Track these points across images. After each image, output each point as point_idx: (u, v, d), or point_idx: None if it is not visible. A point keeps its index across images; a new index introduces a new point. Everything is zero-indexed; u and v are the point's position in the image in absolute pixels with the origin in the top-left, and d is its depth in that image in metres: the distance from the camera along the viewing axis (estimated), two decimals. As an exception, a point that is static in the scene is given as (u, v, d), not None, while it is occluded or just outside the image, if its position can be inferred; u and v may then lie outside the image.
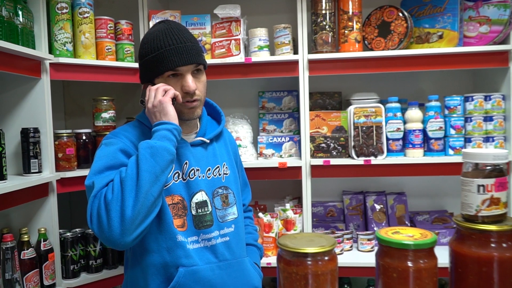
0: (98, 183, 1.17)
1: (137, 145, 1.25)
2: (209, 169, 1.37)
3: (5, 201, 1.64)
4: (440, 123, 2.11)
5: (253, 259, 1.47)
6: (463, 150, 0.82)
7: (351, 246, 2.26)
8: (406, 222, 2.35)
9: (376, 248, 1.04)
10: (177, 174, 1.31)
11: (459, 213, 0.85)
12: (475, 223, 0.78)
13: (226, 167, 1.42)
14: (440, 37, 2.08)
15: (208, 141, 1.39)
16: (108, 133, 2.08)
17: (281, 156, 2.28)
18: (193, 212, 1.30)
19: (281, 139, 2.29)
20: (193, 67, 1.31)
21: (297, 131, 2.35)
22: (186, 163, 1.32)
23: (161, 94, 1.26)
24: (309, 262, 0.75)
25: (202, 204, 1.32)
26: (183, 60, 1.28)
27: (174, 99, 1.28)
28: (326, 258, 0.76)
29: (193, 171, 1.33)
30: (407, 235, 0.79)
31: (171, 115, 1.25)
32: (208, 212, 1.32)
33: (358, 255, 2.19)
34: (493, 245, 0.75)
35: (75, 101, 2.58)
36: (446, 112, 2.14)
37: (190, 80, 1.29)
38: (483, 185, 0.77)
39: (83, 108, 2.57)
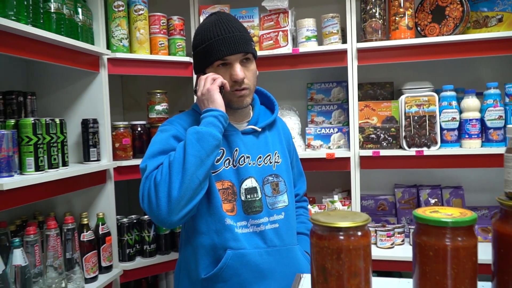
0: (150, 166, 1.24)
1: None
2: (260, 157, 1.39)
3: (67, 185, 1.77)
4: (499, 111, 1.99)
5: (304, 247, 1.47)
6: (508, 125, 0.78)
7: (402, 241, 2.20)
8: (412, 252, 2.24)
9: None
10: (227, 161, 1.34)
11: (504, 194, 0.81)
12: (520, 201, 0.74)
13: (278, 156, 1.43)
14: (500, 20, 1.97)
15: (259, 129, 1.41)
16: (161, 124, 2.18)
17: (329, 148, 2.26)
18: (242, 198, 1.33)
19: (329, 130, 2.27)
20: (241, 56, 1.33)
21: (346, 123, 2.32)
22: (236, 150, 1.35)
23: (209, 83, 1.30)
24: (341, 237, 0.75)
25: (251, 190, 1.35)
26: (231, 50, 1.31)
27: (222, 88, 1.32)
28: (359, 233, 0.76)
29: (243, 158, 1.36)
30: (445, 213, 0.77)
31: (218, 102, 1.29)
32: (257, 199, 1.34)
33: (411, 250, 2.12)
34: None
35: (133, 96, 2.71)
36: (507, 100, 2.01)
37: (238, 69, 1.32)
38: (528, 161, 0.73)
39: (139, 103, 2.69)
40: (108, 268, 2.02)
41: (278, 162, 1.43)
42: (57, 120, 1.73)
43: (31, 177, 1.53)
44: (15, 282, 1.48)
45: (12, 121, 1.62)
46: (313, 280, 0.78)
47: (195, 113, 1.43)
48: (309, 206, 2.17)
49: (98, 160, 1.99)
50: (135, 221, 2.20)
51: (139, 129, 2.22)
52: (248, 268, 1.30)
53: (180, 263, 1.43)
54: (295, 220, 1.48)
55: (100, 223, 1.99)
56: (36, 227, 1.64)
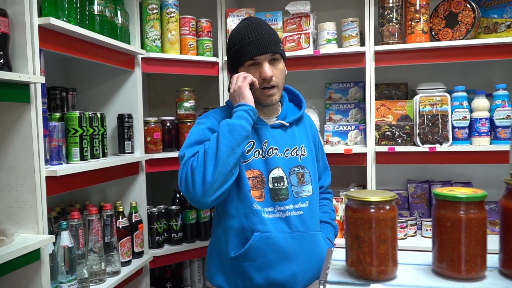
0: (187, 154, 1.40)
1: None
2: (287, 149, 1.53)
3: (107, 174, 1.93)
4: (507, 111, 2.12)
5: (327, 235, 1.61)
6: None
7: (415, 232, 2.33)
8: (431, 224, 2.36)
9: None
10: (257, 152, 1.49)
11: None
12: (523, 181, 0.88)
13: (304, 149, 1.57)
14: (508, 26, 2.10)
15: (287, 124, 1.56)
16: (189, 120, 2.34)
17: (346, 144, 2.40)
18: (270, 186, 1.47)
19: (346, 128, 2.41)
20: (269, 56, 1.48)
21: (363, 120, 2.46)
22: (265, 142, 1.50)
23: (240, 81, 1.45)
24: (373, 210, 0.89)
25: (278, 179, 1.49)
26: (260, 50, 1.46)
27: (252, 85, 1.47)
28: (387, 207, 0.89)
29: (271, 149, 1.50)
30: (460, 192, 0.90)
31: (248, 98, 1.43)
32: (284, 187, 1.48)
33: (422, 241, 2.25)
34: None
35: (158, 93, 2.86)
36: (515, 101, 2.14)
37: (266, 68, 1.46)
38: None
39: (165, 100, 2.85)
40: (140, 254, 2.17)
41: (304, 155, 1.57)
42: (99, 114, 1.89)
43: (79, 165, 1.69)
44: (63, 261, 1.64)
45: (58, 114, 1.78)
46: (348, 247, 0.93)
47: (228, 108, 1.58)
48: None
49: (132, 152, 2.15)
50: (163, 210, 2.35)
51: (168, 124, 2.37)
52: (273, 249, 1.43)
53: (212, 244, 1.58)
54: (318, 209, 1.61)
55: (133, 211, 2.14)
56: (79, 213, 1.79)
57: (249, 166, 1.47)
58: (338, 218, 2.30)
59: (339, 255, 1.04)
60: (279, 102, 1.61)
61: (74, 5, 1.68)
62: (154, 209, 2.32)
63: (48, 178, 1.51)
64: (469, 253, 0.88)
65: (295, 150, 1.55)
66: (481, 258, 0.89)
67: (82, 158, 1.76)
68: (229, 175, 1.34)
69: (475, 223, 0.87)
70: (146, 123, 2.26)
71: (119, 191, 2.24)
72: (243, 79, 1.46)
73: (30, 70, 1.43)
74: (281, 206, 1.47)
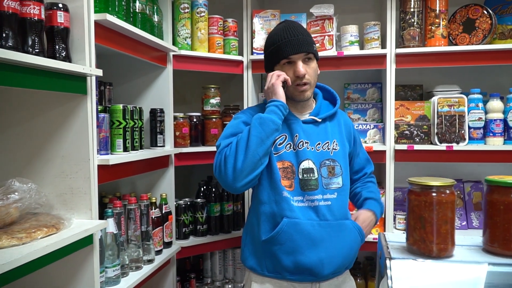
0: (222, 144, 1.55)
1: None
2: (318, 143, 1.63)
3: (144, 165, 2.01)
4: (521, 113, 2.24)
5: (372, 208, 1.69)
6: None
7: (429, 227, 2.44)
8: (483, 208, 2.49)
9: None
10: (289, 145, 1.60)
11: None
12: None
13: (336, 144, 1.67)
14: (524, 33, 2.23)
15: (319, 120, 1.66)
16: (214, 116, 2.43)
17: (365, 142, 2.50)
18: (300, 176, 1.58)
19: (365, 127, 2.51)
20: (303, 55, 1.59)
21: (380, 120, 2.57)
22: (296, 136, 1.61)
23: (274, 79, 1.58)
24: (434, 194, 0.99)
25: (308, 171, 1.59)
26: (294, 50, 1.58)
27: (285, 82, 1.58)
28: (448, 191, 1.00)
29: (301, 142, 1.60)
30: (509, 180, 1.01)
31: (280, 94, 1.56)
32: (313, 178, 1.58)
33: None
34: None
35: (178, 91, 2.93)
36: (528, 103, 2.27)
37: (300, 66, 1.58)
38: None
39: (184, 97, 2.92)
40: (169, 244, 2.25)
41: (336, 149, 1.66)
42: (138, 108, 1.97)
43: (127, 155, 1.77)
44: (109, 247, 1.71)
45: (100, 107, 1.85)
46: (411, 228, 1.03)
47: (264, 104, 1.68)
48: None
49: (163, 146, 2.22)
50: (189, 203, 2.43)
51: (195, 120, 2.45)
52: (300, 235, 1.53)
53: (247, 229, 1.70)
54: (347, 199, 1.71)
55: (163, 203, 2.22)
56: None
57: (281, 157, 1.59)
58: None
59: (392, 237, 1.14)
60: (313, 100, 1.72)
61: (122, 3, 1.76)
62: (180, 201, 2.40)
63: (99, 167, 1.59)
64: (520, 232, 0.98)
65: (327, 144, 1.64)
66: (530, 238, 0.99)
67: (125, 149, 1.83)
68: (258, 163, 1.48)
69: (527, 206, 0.98)
70: (175, 118, 2.34)
71: (148, 183, 2.31)
72: (277, 77, 1.58)
73: (87, 63, 1.51)
74: (310, 196, 1.57)
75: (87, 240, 1.49)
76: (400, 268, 0.96)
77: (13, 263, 1.11)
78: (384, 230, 2.45)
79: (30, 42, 1.33)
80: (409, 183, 1.04)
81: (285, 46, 1.58)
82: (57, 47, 1.43)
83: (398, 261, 0.97)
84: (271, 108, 1.53)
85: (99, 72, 1.53)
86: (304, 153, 1.60)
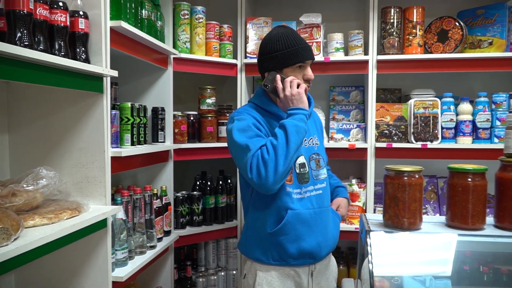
0: (253, 146, 1.59)
1: (259, 121, 1.72)
2: (305, 139, 1.83)
3: (149, 158, 2.19)
4: (487, 115, 2.50)
5: (345, 195, 1.99)
6: (507, 113, 1.25)
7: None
8: (446, 191, 2.74)
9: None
10: None
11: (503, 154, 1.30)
12: (514, 158, 1.23)
13: (316, 139, 1.87)
14: (490, 44, 2.49)
15: None
16: (210, 115, 2.62)
17: (349, 140, 2.73)
18: (297, 171, 1.76)
19: (349, 126, 2.74)
20: (311, 61, 1.79)
21: (362, 120, 2.80)
22: None
23: (295, 86, 1.68)
24: (406, 178, 1.21)
25: (302, 165, 1.78)
26: (309, 56, 1.75)
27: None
28: (417, 175, 1.22)
29: None
30: (468, 166, 1.23)
31: (306, 103, 1.68)
32: (306, 171, 1.78)
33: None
34: (525, 170, 1.20)
35: (173, 91, 3.12)
36: (493, 106, 2.53)
37: (310, 71, 1.77)
38: (520, 134, 1.21)
39: (179, 97, 3.11)
40: (168, 233, 2.43)
41: (317, 144, 1.87)
42: (143, 106, 2.15)
43: (135, 149, 1.96)
44: (118, 231, 1.89)
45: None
46: (387, 206, 1.24)
47: (257, 106, 1.81)
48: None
49: (163, 142, 2.41)
50: (186, 195, 2.62)
51: (192, 118, 2.64)
52: (302, 224, 1.71)
53: (248, 223, 1.83)
54: (329, 188, 1.92)
55: (163, 194, 2.40)
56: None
57: None
58: (360, 204, 2.63)
59: (372, 217, 1.36)
60: None
61: (133, 10, 1.95)
62: (178, 194, 2.59)
63: (112, 158, 1.77)
64: (474, 210, 1.21)
65: (311, 140, 1.85)
66: (482, 215, 1.22)
67: (132, 143, 2.01)
68: (290, 167, 1.60)
69: (480, 188, 1.21)
70: (174, 116, 2.52)
71: (148, 176, 2.49)
72: (298, 86, 1.69)
73: (103, 65, 1.69)
74: (305, 188, 1.76)
75: (103, 223, 1.67)
76: (377, 238, 1.17)
77: (48, 238, 1.29)
78: (365, 221, 2.67)
79: (57, 46, 1.50)
80: (385, 169, 1.25)
81: (303, 51, 1.72)
82: (78, 50, 1.61)
83: (376, 233, 1.18)
84: (301, 116, 1.63)
85: (115, 73, 1.71)
86: (299, 150, 1.79)
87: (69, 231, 1.40)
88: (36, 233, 1.30)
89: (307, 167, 1.78)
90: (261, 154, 1.55)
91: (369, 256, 1.12)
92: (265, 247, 1.74)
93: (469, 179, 1.19)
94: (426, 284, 1.63)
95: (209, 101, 2.69)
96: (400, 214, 1.19)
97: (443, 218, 1.29)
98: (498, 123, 2.49)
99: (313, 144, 1.84)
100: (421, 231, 1.20)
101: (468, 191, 1.19)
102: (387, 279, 1.46)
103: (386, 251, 1.17)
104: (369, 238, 1.16)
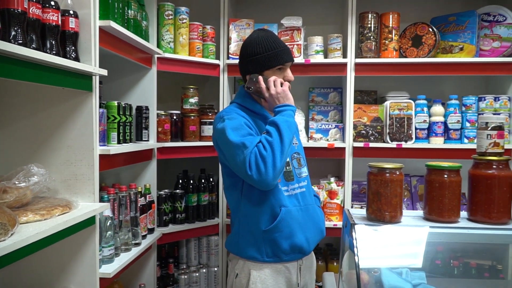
0: (249, 144, 1.61)
1: (248, 120, 1.76)
2: None
3: (132, 157, 2.21)
4: (458, 117, 2.64)
5: (317, 203, 2.00)
6: (480, 115, 1.36)
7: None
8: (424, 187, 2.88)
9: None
10: None
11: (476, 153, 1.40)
12: (485, 156, 1.33)
13: (295, 139, 1.94)
14: (461, 49, 2.63)
15: None
16: (193, 114, 2.66)
17: (327, 140, 2.83)
18: (283, 169, 1.83)
19: (328, 126, 2.84)
20: (291, 63, 1.86)
21: (340, 121, 2.90)
22: None
23: (280, 85, 1.75)
24: (388, 174, 1.30)
25: (287, 164, 1.85)
26: (289, 58, 1.82)
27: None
28: (398, 172, 1.31)
29: None
30: (444, 164, 1.33)
31: (291, 99, 1.76)
32: (291, 170, 1.85)
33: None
34: (494, 167, 1.30)
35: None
36: (463, 109, 2.68)
37: (290, 73, 1.84)
38: (490, 134, 1.31)
39: (160, 96, 3.12)
40: (151, 230, 2.46)
41: (296, 143, 1.93)
42: (129, 105, 2.17)
43: (123, 147, 1.98)
44: (105, 228, 1.91)
45: (94, 103, 2.04)
46: (370, 200, 1.33)
47: (242, 107, 1.85)
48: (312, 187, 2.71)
49: (147, 140, 2.43)
50: (169, 194, 2.65)
51: (174, 117, 2.68)
52: (293, 220, 1.76)
53: (240, 222, 1.82)
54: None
55: (147, 192, 2.43)
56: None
57: None
58: (338, 201, 2.71)
59: (354, 212, 1.44)
60: None
61: (120, 10, 1.97)
62: (161, 192, 2.62)
63: (100, 156, 1.79)
64: (450, 204, 1.31)
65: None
66: (457, 208, 1.32)
67: (119, 141, 2.04)
68: (286, 162, 1.66)
69: (455, 184, 1.31)
70: (157, 115, 2.55)
71: (131, 175, 2.51)
72: (282, 84, 1.76)
73: (93, 63, 1.71)
74: (291, 185, 1.82)
75: (91, 220, 1.70)
76: (362, 231, 1.25)
77: (43, 233, 1.31)
78: (343, 219, 2.77)
79: (48, 45, 1.52)
80: (369, 166, 1.34)
81: (283, 53, 1.78)
82: (68, 49, 1.63)
83: (360, 226, 1.26)
84: (289, 112, 1.70)
85: (105, 72, 1.74)
86: None
87: (63, 227, 1.43)
88: (30, 228, 1.32)
89: (291, 166, 1.84)
90: (259, 150, 1.58)
91: (355, 248, 1.20)
92: (259, 245, 1.75)
93: (445, 176, 1.29)
94: (402, 275, 1.74)
95: (192, 100, 2.73)
96: (383, 208, 1.28)
97: (421, 212, 1.39)
98: (468, 124, 2.64)
99: (293, 143, 1.91)
100: (401, 224, 1.29)
101: (444, 187, 1.29)
102: (366, 271, 1.56)
103: (370, 242, 1.25)
104: (355, 231, 1.24)
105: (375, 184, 1.30)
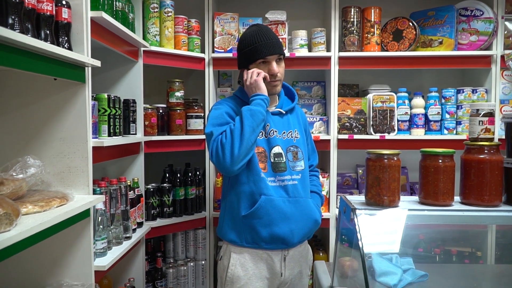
0: (215, 132, 1.76)
1: (236, 110, 1.85)
2: (284, 132, 1.94)
3: (122, 150, 2.19)
4: (438, 109, 2.74)
5: (315, 202, 2.02)
6: (472, 103, 1.42)
7: (365, 205, 2.87)
8: (407, 189, 2.97)
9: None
10: (261, 133, 1.88)
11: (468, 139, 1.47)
12: (477, 141, 1.40)
13: (297, 133, 1.99)
14: (440, 43, 2.73)
15: (284, 112, 1.97)
16: (179, 108, 2.66)
17: (312, 133, 2.87)
18: (272, 160, 1.87)
19: (312, 119, 2.88)
20: (276, 57, 1.89)
21: (324, 114, 2.95)
22: (267, 125, 1.90)
23: (255, 76, 1.84)
24: (386, 160, 1.35)
25: (278, 155, 1.89)
26: (270, 51, 1.86)
27: (264, 79, 1.86)
28: (395, 158, 1.36)
29: (272, 131, 1.90)
30: (438, 149, 1.39)
31: (263, 89, 1.83)
32: (282, 161, 1.88)
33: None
34: (486, 152, 1.37)
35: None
36: (443, 101, 2.78)
37: (274, 66, 1.87)
38: (481, 120, 1.38)
39: (145, 90, 3.10)
40: (140, 224, 2.44)
41: (297, 137, 1.98)
42: (118, 97, 2.15)
43: (115, 139, 1.96)
44: (98, 222, 1.90)
45: (83, 96, 2.01)
46: (369, 186, 1.37)
47: (237, 98, 1.95)
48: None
49: (135, 134, 2.41)
50: (156, 187, 2.64)
51: (161, 111, 2.66)
52: (275, 210, 1.82)
53: (225, 207, 1.93)
54: (309, 181, 2.04)
55: (135, 186, 2.41)
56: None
57: (256, 144, 1.86)
58: (324, 192, 2.75)
59: (351, 198, 1.49)
60: (277, 95, 2.02)
61: (110, 1, 1.95)
62: (149, 186, 2.60)
63: (93, 148, 1.77)
64: (445, 188, 1.37)
65: (290, 133, 1.96)
66: (451, 192, 1.39)
67: (109, 134, 2.02)
68: (250, 149, 1.74)
69: (449, 168, 1.37)
70: (144, 108, 2.53)
71: (118, 169, 2.49)
72: (257, 74, 1.84)
73: (85, 54, 1.69)
74: (280, 176, 1.87)
75: (86, 213, 1.68)
76: (363, 215, 1.29)
77: (46, 224, 1.30)
78: (329, 210, 2.83)
79: (43, 35, 1.49)
80: (367, 152, 1.39)
81: (262, 47, 1.84)
82: (61, 39, 1.60)
83: (361, 211, 1.31)
84: (258, 101, 1.77)
85: (98, 63, 1.72)
86: (275, 140, 1.88)
87: (63, 218, 1.41)
88: (31, 220, 1.30)
89: (284, 158, 1.88)
90: (220, 139, 1.72)
91: (358, 234, 1.24)
92: (239, 230, 1.84)
93: (440, 161, 1.35)
94: (392, 261, 1.81)
95: (177, 94, 2.72)
96: (382, 193, 1.33)
97: (416, 198, 1.45)
98: (447, 116, 2.74)
99: (292, 137, 1.94)
100: (399, 208, 1.35)
101: (439, 171, 1.35)
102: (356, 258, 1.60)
103: (372, 226, 1.30)
104: (356, 216, 1.28)
105: (374, 170, 1.35)
